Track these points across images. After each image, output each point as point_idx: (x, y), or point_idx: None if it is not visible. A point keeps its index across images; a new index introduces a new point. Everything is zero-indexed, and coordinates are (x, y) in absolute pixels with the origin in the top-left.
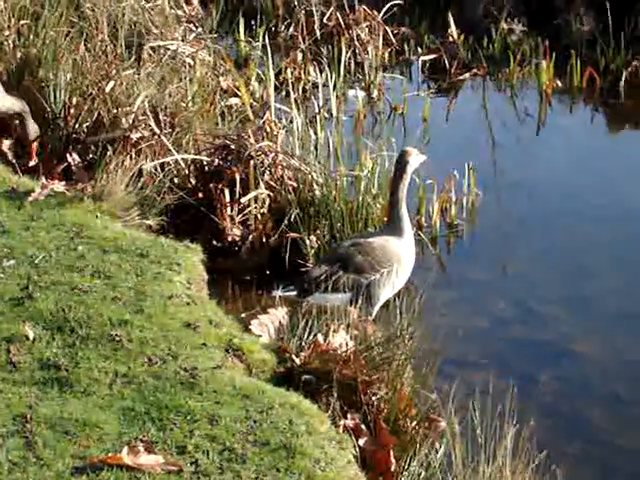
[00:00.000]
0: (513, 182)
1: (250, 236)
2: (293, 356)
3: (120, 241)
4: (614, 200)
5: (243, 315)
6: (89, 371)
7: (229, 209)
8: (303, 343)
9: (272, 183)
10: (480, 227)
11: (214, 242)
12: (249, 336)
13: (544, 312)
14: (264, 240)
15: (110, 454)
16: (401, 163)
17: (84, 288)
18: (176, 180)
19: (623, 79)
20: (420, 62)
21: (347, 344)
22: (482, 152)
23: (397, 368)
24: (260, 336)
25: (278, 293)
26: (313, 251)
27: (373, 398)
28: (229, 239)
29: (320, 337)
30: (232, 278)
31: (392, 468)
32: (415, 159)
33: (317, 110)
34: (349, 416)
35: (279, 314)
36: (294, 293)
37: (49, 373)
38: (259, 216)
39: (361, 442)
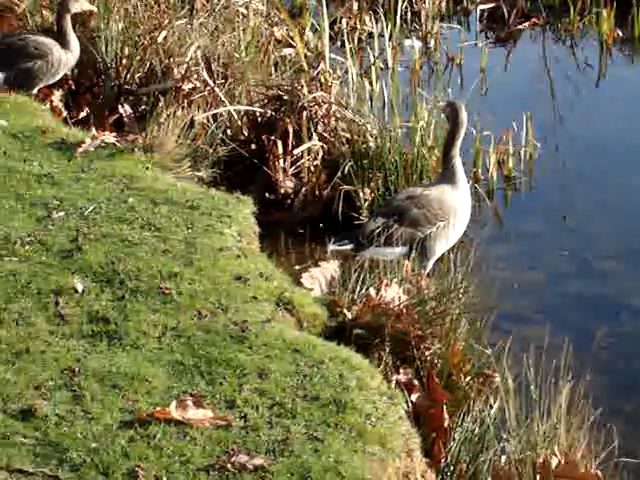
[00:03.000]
0: (572, 134)
1: (303, 189)
2: (345, 310)
3: (170, 193)
4: None
5: (297, 267)
6: (138, 324)
7: (282, 161)
8: (355, 297)
9: (325, 135)
10: (538, 180)
11: (267, 195)
12: (300, 290)
13: (601, 266)
14: (317, 193)
15: (158, 408)
16: (453, 115)
17: (134, 240)
18: (228, 132)
19: None
20: (478, 11)
21: (400, 298)
22: (541, 104)
23: (451, 323)
24: (311, 289)
25: (332, 247)
26: (367, 204)
27: (426, 353)
28: (282, 191)
29: (372, 291)
30: (285, 231)
31: (445, 424)
32: (464, 114)
33: (372, 61)
34: (401, 371)
35: (331, 267)
36: (349, 247)
37: (98, 326)
38: (312, 168)
39: (414, 398)
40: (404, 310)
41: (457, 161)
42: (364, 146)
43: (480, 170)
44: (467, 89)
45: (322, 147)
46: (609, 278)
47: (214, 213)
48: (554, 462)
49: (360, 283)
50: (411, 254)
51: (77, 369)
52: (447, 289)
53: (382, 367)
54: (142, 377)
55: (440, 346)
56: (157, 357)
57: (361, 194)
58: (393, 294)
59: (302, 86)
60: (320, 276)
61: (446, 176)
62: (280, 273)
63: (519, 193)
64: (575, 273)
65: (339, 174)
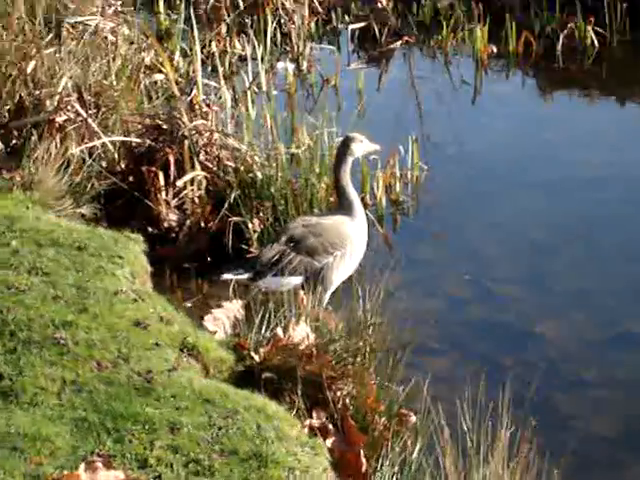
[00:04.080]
0: (455, 154)
1: (187, 221)
2: (252, 353)
3: (56, 234)
4: (559, 170)
5: (189, 304)
6: (35, 379)
7: (164, 193)
8: (262, 338)
9: (208, 164)
10: (427, 203)
11: (149, 229)
12: (203, 333)
13: (500, 292)
14: (203, 225)
15: (65, 471)
16: (342, 149)
17: (21, 287)
18: (104, 164)
19: (560, 42)
20: (349, 31)
21: (308, 337)
22: (420, 124)
23: (362, 361)
24: (215, 332)
25: (227, 276)
26: (256, 235)
27: (338, 394)
28: (165, 225)
29: (280, 331)
30: (170, 267)
31: (363, 469)
32: (359, 147)
33: (247, 85)
34: (314, 415)
35: (234, 307)
36: (245, 276)
37: None
38: (196, 199)
39: (329, 442)
40: (314, 350)
41: (350, 189)
42: (250, 175)
43: (368, 195)
44: (345, 112)
45: (205, 177)
46: (509, 304)
47: (104, 254)
48: None
49: (266, 322)
50: (310, 284)
51: None
52: (357, 326)
53: (294, 412)
54: (44, 437)
55: (353, 386)
56: (58, 414)
57: (250, 225)
58: (301, 333)
59: (181, 114)
60: (223, 317)
61: (343, 205)
62: (181, 316)
63: (408, 218)
64: (474, 299)
65: (226, 205)
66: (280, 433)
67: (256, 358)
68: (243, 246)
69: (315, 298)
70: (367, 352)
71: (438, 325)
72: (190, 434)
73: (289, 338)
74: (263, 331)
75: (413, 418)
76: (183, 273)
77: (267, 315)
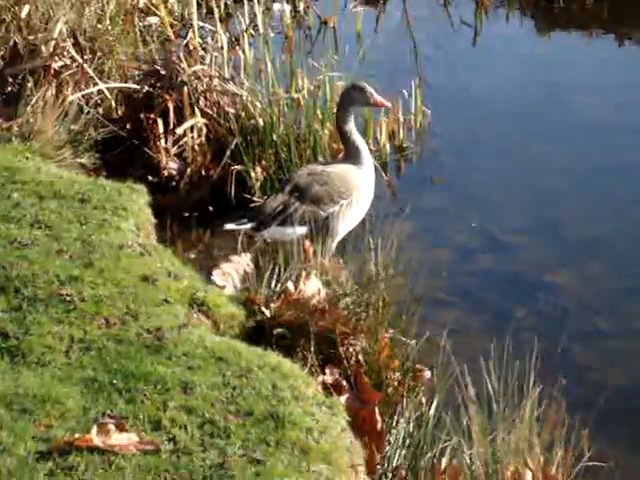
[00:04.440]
0: (458, 98)
1: (188, 170)
2: (263, 308)
3: (58, 185)
4: (565, 114)
5: (192, 255)
6: (41, 338)
7: (163, 141)
8: (272, 293)
9: (208, 110)
10: (431, 149)
11: (149, 177)
12: (212, 288)
13: (509, 240)
14: (204, 173)
15: (77, 434)
16: (347, 97)
17: (24, 241)
18: (102, 112)
19: None
20: None
21: (320, 292)
22: (420, 67)
23: (376, 315)
24: (224, 287)
25: (230, 226)
26: (259, 183)
27: (351, 350)
28: (165, 173)
29: (290, 285)
30: (171, 216)
31: (378, 427)
32: (363, 98)
33: (243, 27)
34: (327, 371)
35: (243, 261)
36: (248, 226)
37: None
38: (196, 147)
39: (342, 400)
40: (326, 306)
41: (356, 136)
42: (252, 122)
43: (371, 141)
44: (344, 55)
45: (205, 124)
46: (518, 253)
47: (107, 206)
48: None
49: (276, 276)
50: (315, 234)
51: None
52: (369, 279)
53: (307, 369)
54: (53, 399)
55: (366, 342)
56: (67, 375)
57: (252, 173)
58: (312, 287)
59: (180, 59)
60: (232, 271)
61: (350, 153)
62: (189, 270)
63: (413, 165)
64: (483, 249)
65: (228, 153)
66: (296, 392)
67: (267, 313)
68: (246, 195)
69: (321, 248)
70: (380, 306)
71: (448, 277)
72: (204, 394)
73: (300, 292)
74: (273, 285)
75: (428, 373)
76: (184, 223)
77: (277, 269)
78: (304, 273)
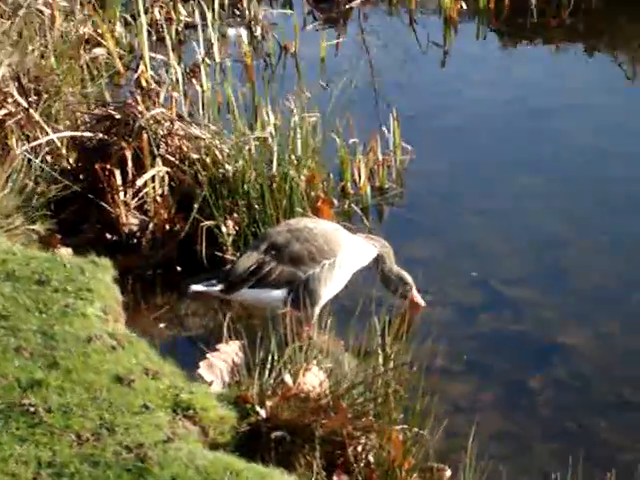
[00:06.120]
0: (436, 129)
1: (151, 224)
2: (257, 407)
3: (10, 264)
4: (553, 142)
5: (161, 325)
6: (4, 463)
7: (122, 193)
8: (267, 385)
9: (170, 158)
10: (414, 190)
11: (107, 235)
12: (198, 386)
13: (511, 295)
14: (169, 228)
15: None
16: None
17: None
18: (52, 162)
19: None
20: None
21: (322, 383)
22: (392, 93)
23: (386, 409)
24: (212, 383)
25: (197, 288)
26: (231, 239)
27: (359, 449)
28: (125, 230)
29: (288, 377)
30: (133, 278)
31: None
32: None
33: (199, 56)
34: (335, 479)
35: (231, 350)
36: (217, 288)
37: None
38: (159, 199)
39: None
40: (331, 402)
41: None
42: (220, 170)
43: (349, 183)
44: (310, 85)
45: (168, 172)
46: (525, 309)
47: (70, 287)
48: None
49: (269, 365)
50: (294, 299)
51: None
52: (377, 367)
53: (314, 478)
54: None
55: (377, 440)
56: None
57: (223, 228)
58: (314, 379)
59: (136, 101)
60: (220, 363)
61: None
62: (168, 365)
63: (395, 208)
64: (484, 305)
65: (195, 206)
66: None
67: (262, 414)
68: (217, 253)
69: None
70: (391, 399)
71: (450, 341)
72: None
73: (299, 386)
74: (267, 376)
75: (448, 472)
76: (149, 284)
77: (270, 356)
78: (304, 364)
